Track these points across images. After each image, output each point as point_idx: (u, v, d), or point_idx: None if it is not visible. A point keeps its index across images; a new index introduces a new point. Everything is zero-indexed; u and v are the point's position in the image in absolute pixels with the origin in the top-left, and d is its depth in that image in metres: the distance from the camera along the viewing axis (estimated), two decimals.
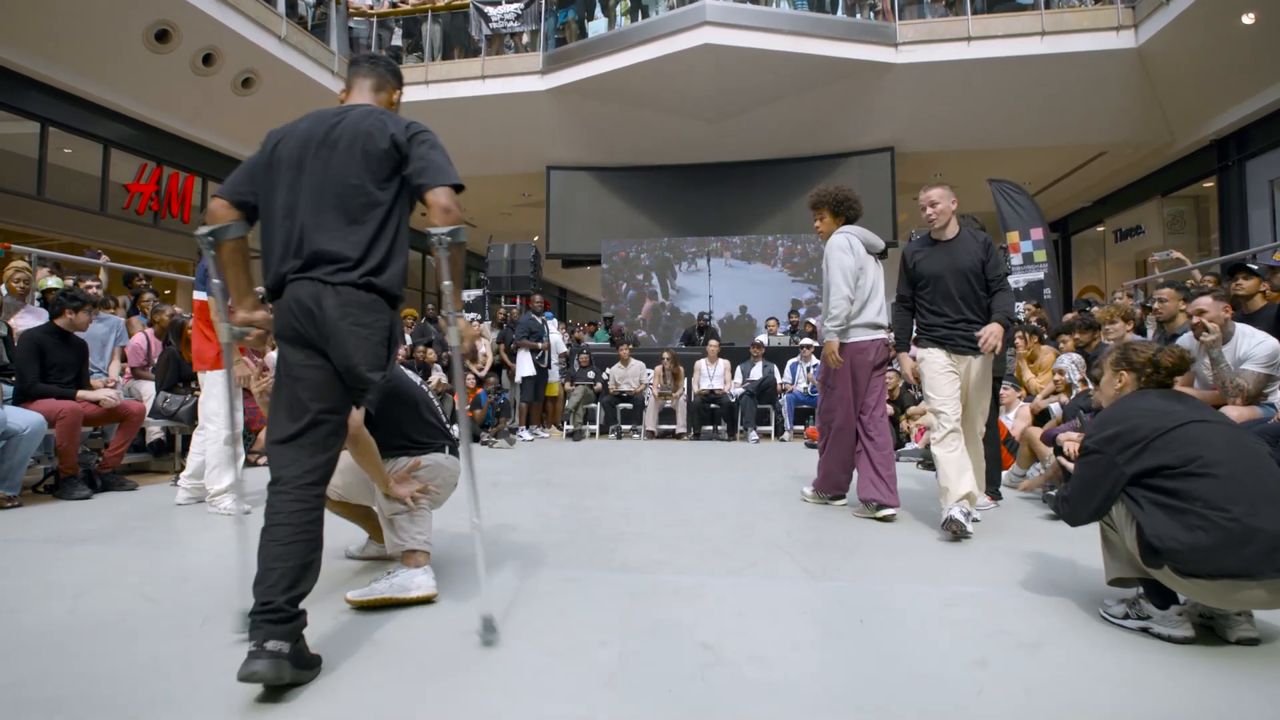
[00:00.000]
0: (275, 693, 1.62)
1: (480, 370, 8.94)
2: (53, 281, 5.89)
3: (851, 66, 10.90)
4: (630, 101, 11.96)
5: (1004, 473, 4.39)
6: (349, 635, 2.02)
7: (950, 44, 10.67)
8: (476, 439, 8.15)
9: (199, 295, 3.91)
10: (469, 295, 11.53)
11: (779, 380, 9.03)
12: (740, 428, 8.77)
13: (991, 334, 3.36)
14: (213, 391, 3.99)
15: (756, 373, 9.01)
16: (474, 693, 1.68)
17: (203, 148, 11.68)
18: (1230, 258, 7.83)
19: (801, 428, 8.90)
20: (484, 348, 9.29)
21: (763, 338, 10.01)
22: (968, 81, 10.82)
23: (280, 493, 1.78)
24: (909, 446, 6.54)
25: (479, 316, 10.51)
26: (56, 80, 9.30)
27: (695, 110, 12.08)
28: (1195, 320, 3.46)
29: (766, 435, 8.94)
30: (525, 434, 8.83)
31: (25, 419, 4.03)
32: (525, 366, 8.82)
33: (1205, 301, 3.45)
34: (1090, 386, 4.74)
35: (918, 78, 10.91)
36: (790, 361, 9.18)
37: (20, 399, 4.34)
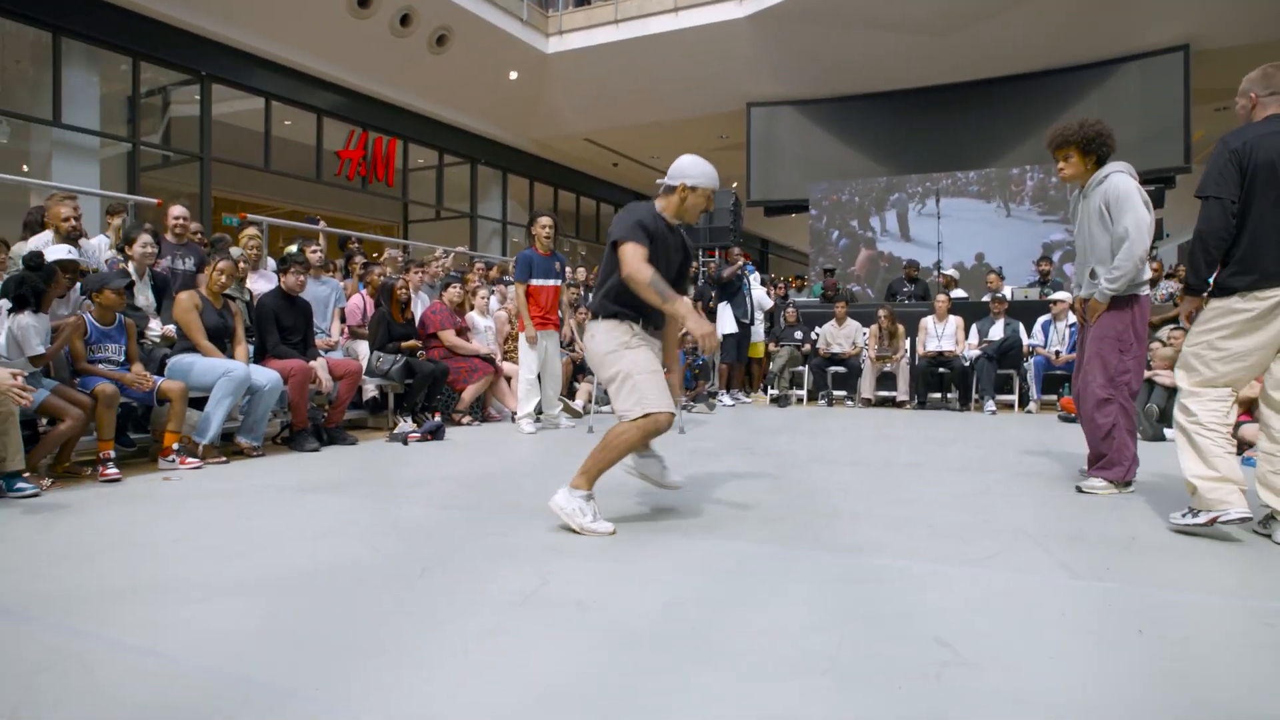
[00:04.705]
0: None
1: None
2: (293, 249, 6.84)
3: None
4: (841, 20, 11.39)
5: None
6: (550, 600, 2.18)
7: None
8: None
9: (534, 282, 6.07)
10: None
11: (1025, 341, 8.31)
12: (975, 396, 8.22)
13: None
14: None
15: (996, 332, 8.35)
16: (678, 670, 1.74)
17: (403, 110, 12.90)
18: None
19: (1053, 398, 8.15)
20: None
21: (1007, 290, 9.22)
22: None
23: None
24: None
25: None
26: (276, 55, 10.72)
27: (919, 22, 11.22)
28: None
29: (1007, 406, 8.30)
30: (726, 398, 8.92)
31: (266, 376, 4.78)
32: (726, 323, 8.85)
33: None
34: None
35: None
36: (1041, 319, 8.38)
37: (260, 358, 5.15)
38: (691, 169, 3.06)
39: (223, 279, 4.94)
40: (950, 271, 10.84)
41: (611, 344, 3.02)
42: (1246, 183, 2.88)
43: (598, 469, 2.95)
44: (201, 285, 5.09)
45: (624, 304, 3.03)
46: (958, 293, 9.73)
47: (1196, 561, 2.61)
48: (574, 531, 2.88)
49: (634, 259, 2.87)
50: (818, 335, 9.38)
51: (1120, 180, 3.60)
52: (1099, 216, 3.65)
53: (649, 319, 3.11)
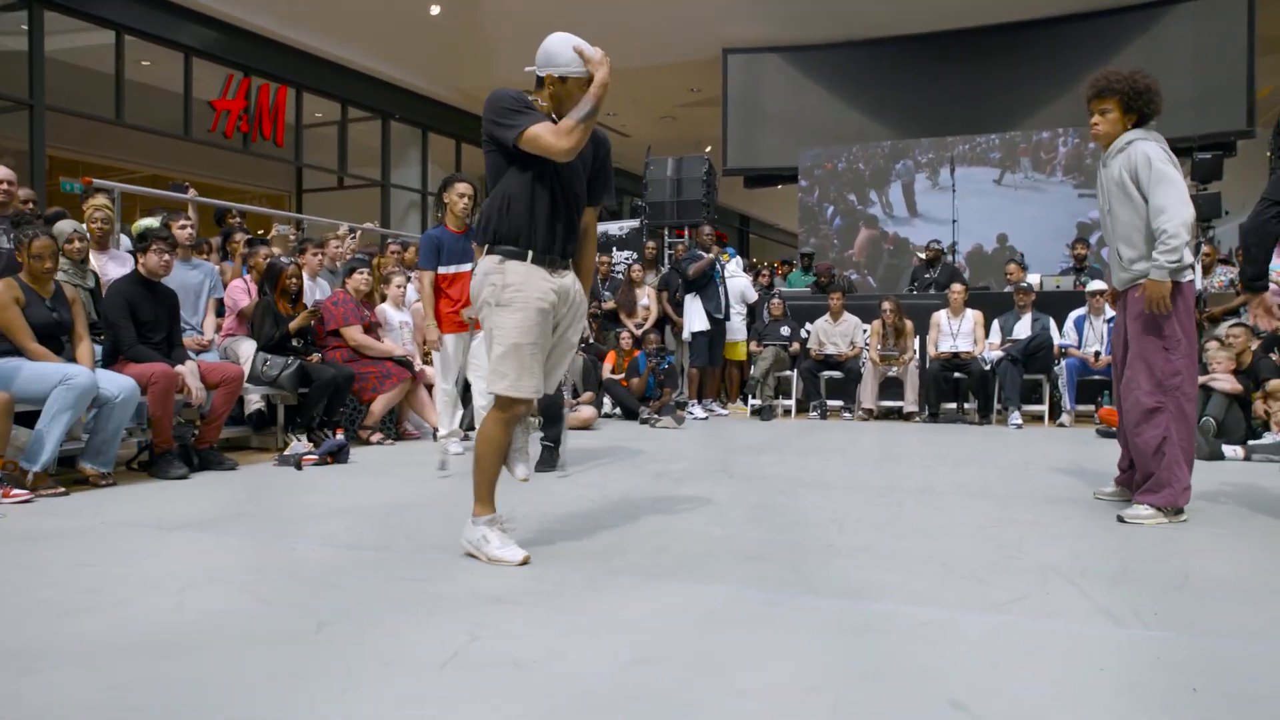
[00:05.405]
0: None
1: (639, 326, 9.15)
2: (154, 222, 6.66)
3: None
4: None
5: None
6: (482, 659, 2.16)
7: None
8: (634, 416, 8.38)
9: (444, 270, 5.74)
10: (621, 227, 11.78)
11: (1056, 341, 8.50)
12: (998, 406, 8.40)
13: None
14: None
15: (1022, 329, 8.54)
16: None
17: (296, 50, 12.69)
18: None
19: (1090, 408, 8.35)
20: (645, 298, 9.49)
21: (1034, 278, 9.42)
22: None
23: None
24: (1268, 438, 5.96)
25: (634, 255, 10.71)
26: None
27: None
28: None
29: (1036, 418, 8.49)
30: (697, 410, 8.97)
31: (117, 384, 4.66)
32: (695, 319, 8.90)
33: None
34: None
35: None
36: (1075, 314, 8.60)
37: (111, 361, 5.02)
38: (559, 52, 2.92)
39: (45, 264, 4.72)
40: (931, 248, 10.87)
41: (481, 292, 3.05)
42: None
43: (482, 486, 3.12)
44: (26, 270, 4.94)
45: (500, 232, 2.99)
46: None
47: (1264, 604, 2.68)
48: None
49: (546, 135, 2.81)
50: (808, 333, 9.47)
51: (1146, 147, 3.77)
52: (1119, 189, 3.83)
53: (544, 243, 3.00)
